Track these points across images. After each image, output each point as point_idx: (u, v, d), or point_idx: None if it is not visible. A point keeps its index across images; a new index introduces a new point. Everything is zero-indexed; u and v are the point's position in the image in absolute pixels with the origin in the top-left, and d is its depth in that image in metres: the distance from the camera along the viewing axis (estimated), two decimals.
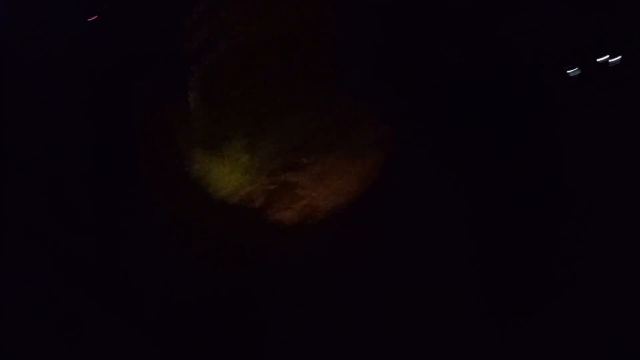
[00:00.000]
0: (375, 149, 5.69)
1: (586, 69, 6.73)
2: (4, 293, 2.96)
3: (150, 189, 4.90)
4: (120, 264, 3.34)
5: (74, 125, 6.26)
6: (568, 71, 7.55)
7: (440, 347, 2.42)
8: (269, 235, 4.12)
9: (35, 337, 2.59)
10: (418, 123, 6.25)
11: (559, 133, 5.43)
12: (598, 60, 7.39)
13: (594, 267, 2.87)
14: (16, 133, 5.89)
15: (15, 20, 7.10)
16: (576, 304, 2.60)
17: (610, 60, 7.36)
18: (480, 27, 7.24)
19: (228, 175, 5.44)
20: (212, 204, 4.74)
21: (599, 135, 5.00)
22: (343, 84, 6.17)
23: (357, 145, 5.70)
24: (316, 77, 5.96)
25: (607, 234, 3.18)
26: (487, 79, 8.05)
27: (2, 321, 2.77)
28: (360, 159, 5.57)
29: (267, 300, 2.89)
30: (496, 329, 2.48)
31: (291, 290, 3.04)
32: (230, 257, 3.46)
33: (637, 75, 6.00)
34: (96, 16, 6.74)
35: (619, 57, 7.49)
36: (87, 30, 6.93)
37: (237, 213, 4.46)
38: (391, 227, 3.85)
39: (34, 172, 5.09)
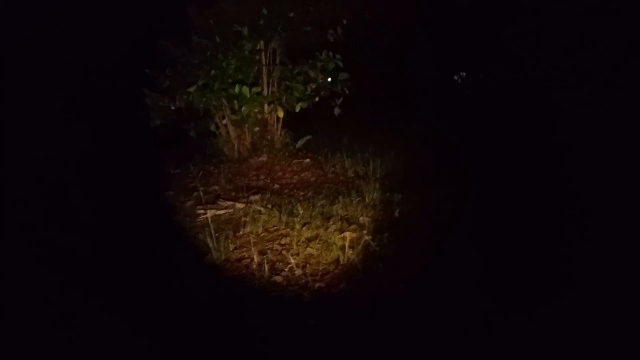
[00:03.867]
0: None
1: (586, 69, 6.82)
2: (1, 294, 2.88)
3: (150, 189, 4.75)
4: (119, 265, 3.20)
5: (72, 125, 6.49)
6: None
7: (441, 346, 2.32)
8: None
9: (34, 338, 2.47)
10: (416, 124, 6.51)
11: (558, 133, 5.79)
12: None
13: (594, 267, 2.82)
14: (15, 133, 6.16)
15: (14, 20, 7.47)
16: (576, 304, 2.52)
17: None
18: (479, 29, 7.20)
19: None
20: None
21: (598, 136, 5.23)
22: None
23: None
24: None
25: (607, 233, 3.19)
26: (485, 79, 8.12)
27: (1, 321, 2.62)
28: None
29: (266, 301, 2.77)
30: (496, 329, 2.38)
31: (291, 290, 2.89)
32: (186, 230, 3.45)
33: (636, 75, 6.35)
34: None
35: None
36: (85, 28, 7.05)
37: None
38: (390, 226, 3.70)
39: (33, 172, 5.11)
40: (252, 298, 2.97)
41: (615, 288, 2.65)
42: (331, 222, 3.95)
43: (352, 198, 4.45)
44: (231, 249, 3.58)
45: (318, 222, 3.95)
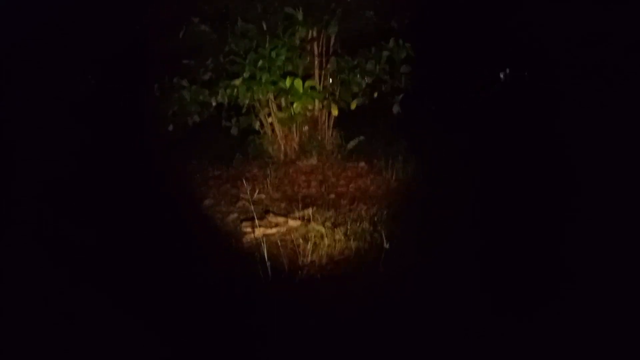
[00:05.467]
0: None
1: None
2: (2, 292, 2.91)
3: (150, 188, 4.50)
4: (119, 265, 3.07)
5: (72, 124, 6.44)
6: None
7: (441, 346, 2.24)
8: None
9: (34, 338, 2.43)
10: (416, 123, 6.03)
11: (559, 132, 5.57)
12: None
13: (594, 266, 2.73)
14: (15, 133, 6.16)
15: (14, 20, 7.44)
16: (576, 304, 2.44)
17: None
18: (479, 26, 7.16)
19: None
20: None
21: (598, 136, 5.06)
22: None
23: None
24: None
25: (608, 233, 3.08)
26: (485, 78, 8.26)
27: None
28: None
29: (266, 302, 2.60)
30: (496, 329, 2.31)
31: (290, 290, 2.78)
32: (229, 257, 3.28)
33: (636, 75, 6.19)
34: None
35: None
36: (85, 28, 6.93)
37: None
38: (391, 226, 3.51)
39: (32, 172, 5.05)
40: None
41: (616, 288, 2.57)
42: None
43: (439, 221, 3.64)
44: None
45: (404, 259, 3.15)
